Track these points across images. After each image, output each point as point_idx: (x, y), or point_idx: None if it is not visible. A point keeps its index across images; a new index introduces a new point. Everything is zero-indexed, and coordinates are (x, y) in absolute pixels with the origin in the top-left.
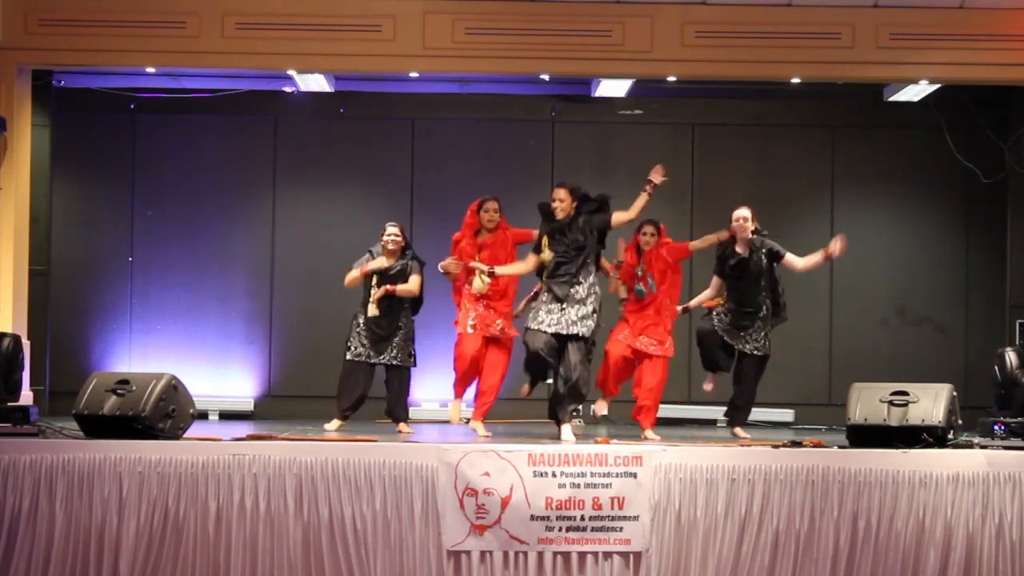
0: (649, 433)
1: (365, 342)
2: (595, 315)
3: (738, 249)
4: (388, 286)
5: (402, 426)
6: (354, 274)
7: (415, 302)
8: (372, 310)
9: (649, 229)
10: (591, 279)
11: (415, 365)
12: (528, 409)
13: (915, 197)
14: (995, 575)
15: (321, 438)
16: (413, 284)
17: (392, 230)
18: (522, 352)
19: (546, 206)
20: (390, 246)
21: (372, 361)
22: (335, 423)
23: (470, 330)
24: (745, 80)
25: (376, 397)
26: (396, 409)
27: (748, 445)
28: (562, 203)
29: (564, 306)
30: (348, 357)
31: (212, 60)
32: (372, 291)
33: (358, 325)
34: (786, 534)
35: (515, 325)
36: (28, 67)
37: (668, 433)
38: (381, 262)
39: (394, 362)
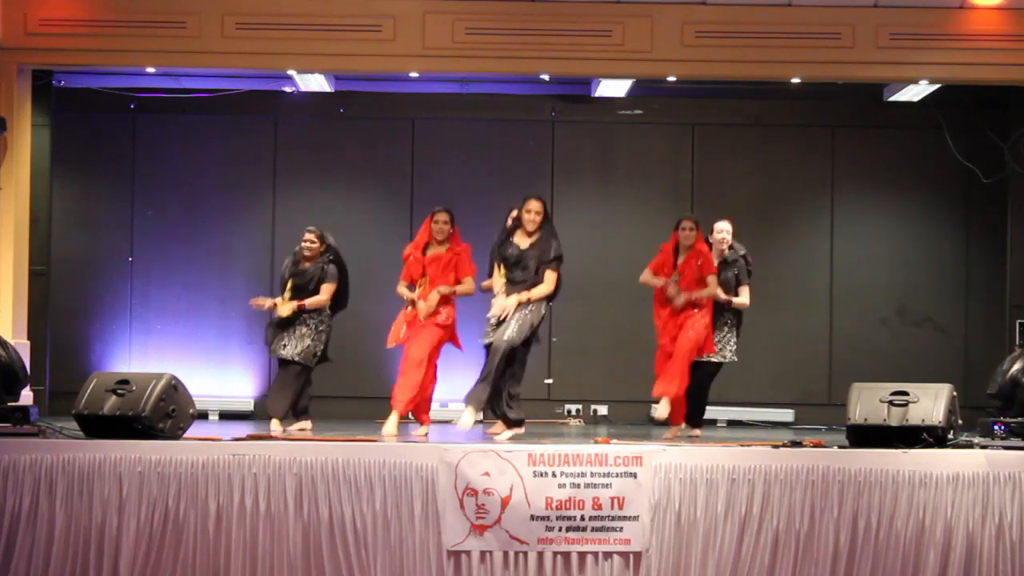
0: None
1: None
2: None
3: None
4: (297, 302)
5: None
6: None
7: (336, 303)
8: (284, 311)
9: (688, 224)
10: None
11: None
12: (527, 409)
13: (915, 197)
14: (995, 575)
15: (321, 438)
16: (323, 295)
17: (308, 236)
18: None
19: (516, 222)
20: (306, 252)
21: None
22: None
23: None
24: (745, 80)
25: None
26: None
27: (748, 445)
28: (537, 216)
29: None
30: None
31: (212, 60)
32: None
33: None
34: (786, 534)
35: None
36: (28, 67)
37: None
38: (285, 310)
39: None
